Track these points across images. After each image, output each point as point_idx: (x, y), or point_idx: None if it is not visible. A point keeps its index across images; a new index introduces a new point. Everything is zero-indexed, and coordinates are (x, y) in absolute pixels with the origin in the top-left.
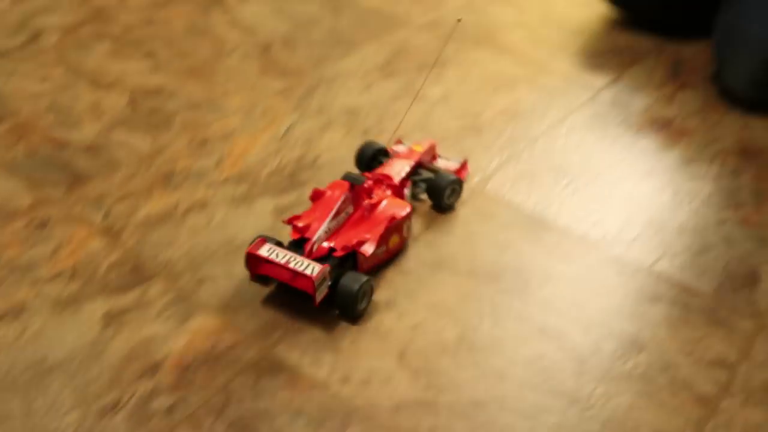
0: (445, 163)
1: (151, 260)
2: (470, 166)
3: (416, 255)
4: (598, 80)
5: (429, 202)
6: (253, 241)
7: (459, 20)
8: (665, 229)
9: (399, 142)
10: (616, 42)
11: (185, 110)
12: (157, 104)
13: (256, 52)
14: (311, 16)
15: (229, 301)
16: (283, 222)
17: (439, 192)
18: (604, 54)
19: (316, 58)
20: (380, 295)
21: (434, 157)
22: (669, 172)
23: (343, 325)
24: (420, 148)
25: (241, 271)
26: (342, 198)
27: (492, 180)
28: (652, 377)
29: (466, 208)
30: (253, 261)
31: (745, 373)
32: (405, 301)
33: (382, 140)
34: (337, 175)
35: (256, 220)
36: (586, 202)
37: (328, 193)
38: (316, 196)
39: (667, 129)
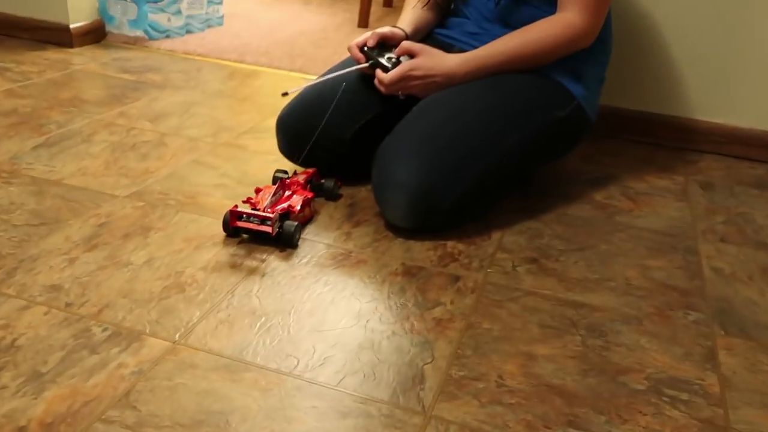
0: (328, 179)
1: None
2: (172, 324)
3: (119, 418)
4: None
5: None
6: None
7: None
8: (348, 350)
9: (295, 173)
10: None
11: None
12: None
13: None
14: (13, 200)
15: None
16: (242, 201)
17: (329, 190)
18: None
19: (18, 242)
20: None
21: (319, 178)
22: (349, 299)
23: None
24: (310, 170)
25: None
26: (276, 185)
27: (194, 332)
28: None
29: (167, 364)
30: (234, 215)
31: None
32: None
33: (82, 312)
34: (37, 353)
35: None
36: (280, 339)
37: (265, 189)
38: (258, 190)
39: (346, 261)
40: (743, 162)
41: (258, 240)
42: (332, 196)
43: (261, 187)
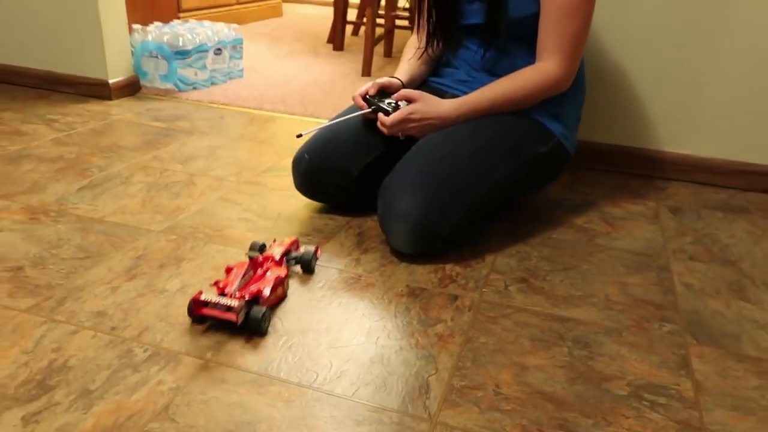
0: (306, 248)
1: None
2: (203, 344)
3: (160, 429)
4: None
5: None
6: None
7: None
8: (360, 364)
9: (275, 241)
10: (315, 224)
11: None
12: None
13: (7, 276)
14: (61, 236)
15: None
16: (210, 285)
17: (307, 262)
18: (308, 234)
19: (66, 273)
20: None
21: (298, 247)
22: (361, 318)
23: None
24: (288, 240)
25: None
26: (246, 266)
27: (223, 350)
28: None
29: (200, 380)
30: (196, 305)
31: None
32: None
33: (125, 335)
34: (86, 373)
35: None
36: (300, 355)
37: (236, 267)
38: (229, 269)
39: (356, 284)
40: (708, 188)
41: (225, 327)
42: (309, 269)
43: (232, 265)
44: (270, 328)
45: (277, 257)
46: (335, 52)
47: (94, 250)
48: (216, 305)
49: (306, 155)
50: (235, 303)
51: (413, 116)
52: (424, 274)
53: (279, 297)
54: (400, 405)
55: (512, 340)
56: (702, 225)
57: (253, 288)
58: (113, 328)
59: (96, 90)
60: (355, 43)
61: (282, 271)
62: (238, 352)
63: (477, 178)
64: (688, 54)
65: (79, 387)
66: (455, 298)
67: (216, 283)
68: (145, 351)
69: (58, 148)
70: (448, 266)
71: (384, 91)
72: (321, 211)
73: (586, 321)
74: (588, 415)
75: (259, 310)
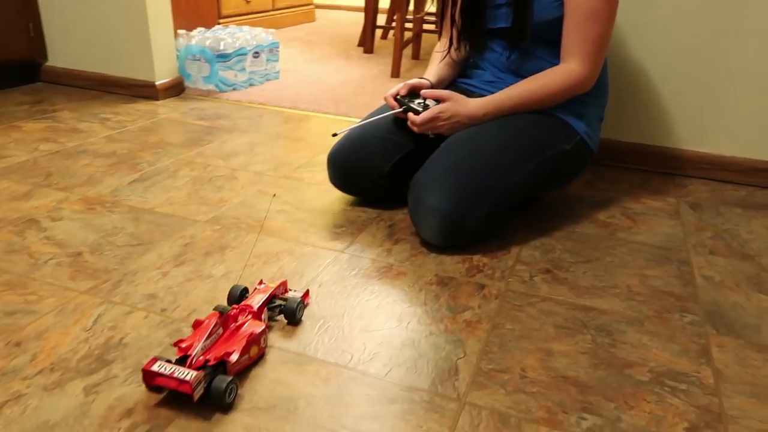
0: (294, 293)
1: None
2: None
3: (204, 405)
4: (339, 245)
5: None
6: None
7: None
8: (393, 347)
9: (261, 282)
10: (349, 216)
11: (1, 319)
12: None
13: (68, 260)
14: (115, 225)
15: None
16: (172, 345)
17: (291, 312)
18: (342, 226)
19: (120, 259)
20: None
21: (286, 290)
22: (392, 305)
23: None
24: (273, 285)
25: None
26: (213, 323)
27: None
28: None
29: None
30: (148, 375)
31: None
32: None
33: (175, 316)
34: (140, 349)
35: (68, 401)
36: (336, 338)
37: (205, 321)
38: (196, 324)
39: (388, 273)
40: (727, 185)
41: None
42: (293, 320)
43: (202, 319)
44: (306, 312)
45: (256, 307)
46: (365, 55)
47: (145, 238)
48: (170, 377)
49: (341, 152)
50: (190, 375)
51: (442, 115)
52: (452, 264)
53: (253, 359)
54: (430, 385)
55: (537, 327)
56: (721, 221)
57: (220, 351)
58: (163, 310)
59: (144, 91)
60: (384, 46)
61: (259, 326)
62: (279, 334)
63: (502, 174)
64: (708, 53)
65: (134, 362)
66: (482, 287)
67: (178, 343)
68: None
69: (111, 144)
70: (475, 257)
71: (414, 92)
72: (354, 204)
73: (608, 311)
74: (611, 398)
75: (222, 381)
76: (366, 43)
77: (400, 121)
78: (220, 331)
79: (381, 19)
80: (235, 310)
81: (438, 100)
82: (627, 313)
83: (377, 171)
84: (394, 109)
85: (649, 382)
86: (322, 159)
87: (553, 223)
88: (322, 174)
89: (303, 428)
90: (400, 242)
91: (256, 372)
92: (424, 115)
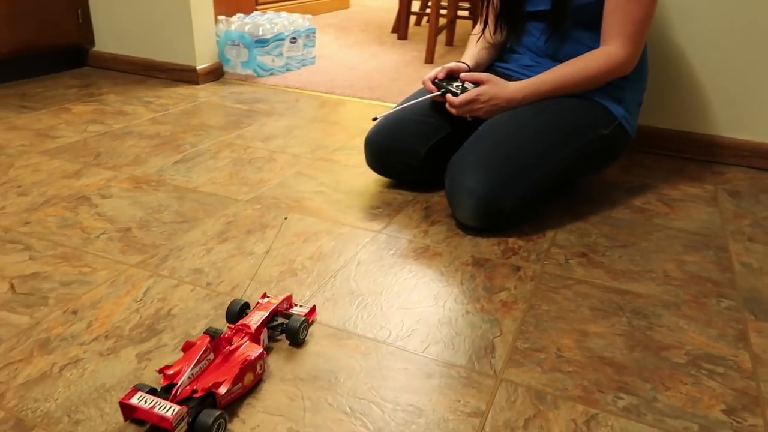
0: (299, 309)
1: (31, 414)
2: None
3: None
4: (376, 226)
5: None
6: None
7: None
8: (430, 324)
9: (264, 296)
10: (385, 198)
11: (59, 288)
12: (34, 286)
13: (118, 235)
14: (161, 203)
15: None
16: (157, 372)
17: (293, 332)
18: (379, 207)
19: (167, 235)
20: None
21: (290, 305)
22: (429, 284)
23: None
24: (276, 300)
25: (111, 409)
26: (203, 349)
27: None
28: None
29: None
30: (126, 408)
31: (492, 417)
32: (246, 409)
33: (219, 289)
34: (188, 320)
35: (122, 366)
36: (374, 314)
37: (197, 343)
38: (187, 347)
39: (425, 253)
40: (766, 173)
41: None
42: (296, 341)
43: (193, 341)
44: (346, 288)
45: (254, 328)
46: (399, 41)
47: (190, 216)
48: (149, 411)
49: (378, 135)
50: (171, 411)
51: (481, 97)
52: (488, 246)
53: (247, 387)
54: (467, 362)
55: (573, 308)
56: (760, 208)
57: (209, 380)
58: (209, 284)
59: (185, 75)
60: (418, 32)
61: (255, 351)
62: (320, 309)
63: (539, 157)
64: (748, 38)
65: (182, 332)
66: (518, 268)
67: (164, 370)
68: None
69: (155, 126)
70: (510, 239)
71: (452, 75)
72: (390, 186)
73: (644, 294)
74: (647, 379)
75: (209, 415)
76: (400, 29)
77: (437, 105)
78: (211, 356)
79: (415, 6)
80: (229, 332)
81: (476, 84)
82: (663, 297)
83: (414, 154)
84: (432, 93)
85: (686, 365)
86: (359, 142)
87: (588, 208)
88: (359, 157)
89: (343, 399)
90: (437, 224)
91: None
92: (463, 97)
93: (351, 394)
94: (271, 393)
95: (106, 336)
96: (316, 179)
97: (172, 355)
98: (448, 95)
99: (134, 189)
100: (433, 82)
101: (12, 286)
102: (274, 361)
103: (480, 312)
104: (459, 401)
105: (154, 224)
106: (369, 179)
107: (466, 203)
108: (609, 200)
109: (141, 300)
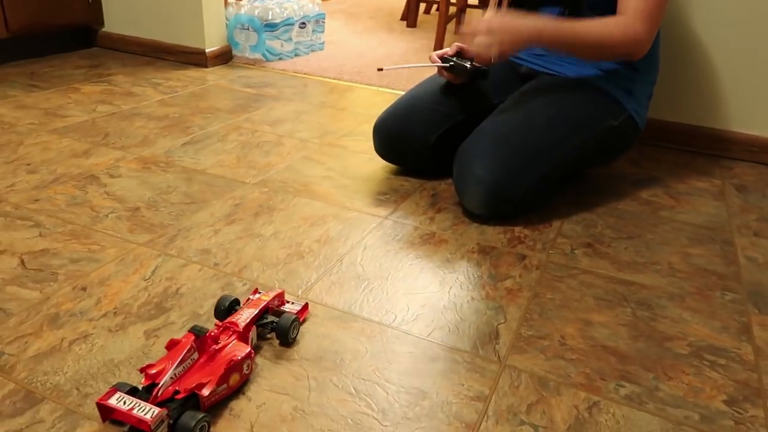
0: (290, 307)
1: (41, 386)
2: (296, 283)
3: (257, 351)
4: (383, 211)
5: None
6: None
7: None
8: (435, 310)
9: (255, 291)
10: (392, 185)
11: (68, 265)
12: (43, 263)
13: (127, 215)
14: (170, 184)
15: None
16: (138, 370)
17: (283, 331)
18: (386, 193)
19: (175, 215)
20: None
21: (282, 302)
22: (435, 270)
23: None
24: (267, 297)
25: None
26: (186, 348)
27: (312, 289)
28: (434, 415)
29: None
30: (104, 409)
31: (495, 402)
32: (253, 387)
33: (227, 270)
34: (195, 300)
35: (131, 342)
36: (380, 298)
37: (182, 341)
38: (171, 345)
39: (431, 240)
40: None
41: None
42: (286, 340)
43: (178, 338)
44: (352, 272)
45: (242, 326)
46: (408, 29)
47: (198, 197)
48: (128, 413)
49: (387, 121)
50: (151, 413)
51: (505, 24)
52: (494, 234)
53: (233, 388)
54: (471, 347)
55: (577, 298)
56: (767, 204)
57: (192, 381)
58: (216, 264)
59: (194, 58)
60: (427, 21)
61: (242, 350)
62: (326, 292)
63: (548, 147)
64: (759, 34)
65: (190, 311)
66: (523, 257)
67: (146, 369)
68: (244, 285)
69: (164, 108)
70: (516, 228)
71: (461, 54)
72: (397, 173)
73: (649, 285)
74: (649, 369)
75: (192, 417)
76: (410, 17)
77: (447, 91)
78: (196, 356)
79: None
80: (216, 330)
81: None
82: (668, 289)
83: (423, 142)
84: (440, 65)
85: (689, 356)
86: (367, 129)
87: (595, 199)
88: (367, 143)
89: (348, 380)
90: (443, 211)
91: (304, 328)
92: (487, 19)
93: (356, 376)
94: (277, 372)
95: (115, 313)
96: (324, 164)
97: (180, 333)
98: (472, 21)
99: (143, 169)
100: (442, 59)
101: (22, 262)
102: (273, 348)
103: (485, 299)
104: (463, 385)
105: (163, 205)
106: (377, 165)
107: (475, 190)
108: (616, 192)
109: (149, 278)
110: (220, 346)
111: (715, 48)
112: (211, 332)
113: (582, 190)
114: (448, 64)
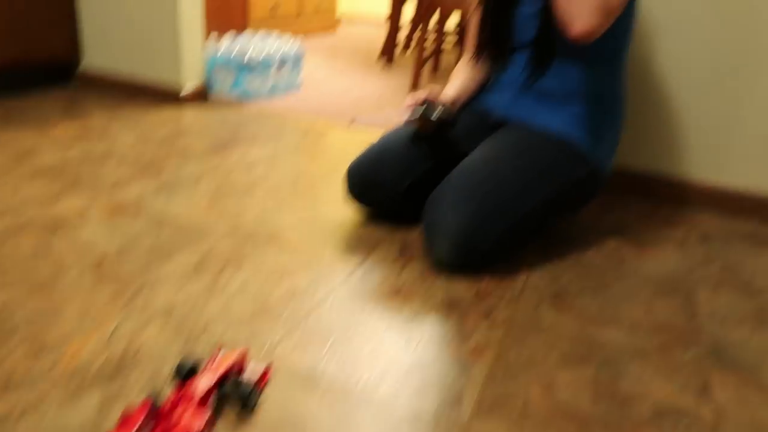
0: (251, 371)
1: None
2: (260, 341)
3: (217, 416)
4: (352, 262)
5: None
6: None
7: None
8: (400, 371)
9: (219, 349)
10: (361, 234)
11: (26, 322)
12: (2, 318)
13: (92, 265)
14: (139, 232)
15: None
16: None
17: (243, 399)
18: (355, 242)
19: (141, 267)
20: None
21: (242, 368)
22: (401, 327)
23: None
24: (228, 360)
25: None
26: (140, 420)
27: (277, 349)
28: None
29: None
30: None
31: None
32: None
33: (190, 328)
34: (155, 360)
35: (85, 411)
36: (344, 359)
37: (134, 414)
38: (124, 421)
39: (398, 294)
40: (738, 218)
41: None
42: (248, 403)
43: (132, 411)
44: (318, 329)
45: (200, 395)
46: (386, 68)
47: (166, 247)
48: None
49: (359, 167)
50: None
51: None
52: (461, 287)
53: None
54: (435, 412)
55: (542, 356)
56: (729, 255)
57: None
58: (179, 323)
59: (171, 97)
60: (404, 59)
61: (199, 420)
62: (290, 350)
63: (517, 198)
64: (723, 84)
65: (150, 372)
66: (489, 312)
67: None
68: (207, 343)
69: (138, 148)
70: (483, 282)
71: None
72: (369, 219)
73: (613, 342)
74: None
75: None
76: (387, 53)
77: (420, 139)
78: (150, 425)
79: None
80: (175, 395)
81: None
82: (631, 345)
83: (394, 188)
84: (411, 115)
85: (651, 418)
86: (341, 172)
87: (561, 250)
88: (340, 187)
89: None
90: (413, 261)
91: (267, 391)
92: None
93: None
94: None
95: (72, 375)
96: (295, 211)
97: (137, 398)
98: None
99: (113, 215)
100: (412, 109)
101: None
102: (233, 413)
103: (450, 358)
104: None
105: (130, 255)
106: (349, 210)
107: (443, 242)
108: (582, 242)
109: (110, 338)
110: (176, 417)
111: (676, 100)
112: (169, 398)
113: (548, 240)
114: (417, 116)
